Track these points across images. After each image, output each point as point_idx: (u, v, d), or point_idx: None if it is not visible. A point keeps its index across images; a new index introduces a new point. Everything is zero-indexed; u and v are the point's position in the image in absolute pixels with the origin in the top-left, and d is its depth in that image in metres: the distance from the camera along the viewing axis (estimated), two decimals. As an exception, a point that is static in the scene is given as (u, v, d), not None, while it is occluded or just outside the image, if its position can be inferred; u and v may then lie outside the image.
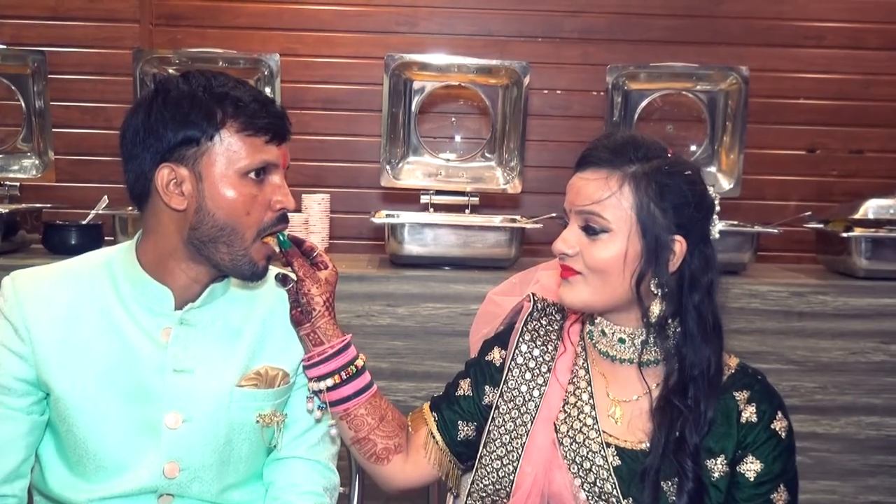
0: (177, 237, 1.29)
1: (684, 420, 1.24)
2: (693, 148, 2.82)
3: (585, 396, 1.32)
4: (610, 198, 1.23)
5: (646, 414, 1.28)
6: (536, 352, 1.37)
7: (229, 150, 1.25)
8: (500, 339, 1.42)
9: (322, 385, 1.32)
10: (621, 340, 1.30)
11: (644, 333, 1.28)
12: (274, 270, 1.37)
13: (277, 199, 1.29)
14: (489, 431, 1.34)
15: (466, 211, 2.76)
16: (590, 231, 1.24)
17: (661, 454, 1.24)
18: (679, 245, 1.24)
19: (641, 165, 1.24)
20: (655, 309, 1.25)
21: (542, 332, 1.38)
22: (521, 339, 1.37)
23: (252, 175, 1.26)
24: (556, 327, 1.39)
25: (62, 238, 2.56)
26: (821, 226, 2.73)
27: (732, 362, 1.33)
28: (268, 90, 2.65)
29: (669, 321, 1.27)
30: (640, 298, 1.24)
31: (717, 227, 1.30)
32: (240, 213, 1.26)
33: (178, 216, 1.27)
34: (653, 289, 1.25)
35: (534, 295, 1.42)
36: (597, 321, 1.34)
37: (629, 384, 1.31)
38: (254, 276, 1.31)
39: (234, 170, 1.25)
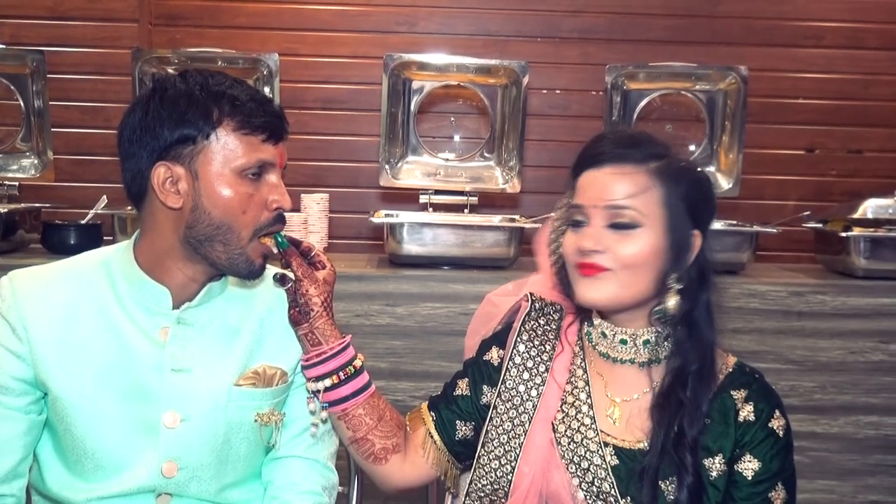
0: (173, 236, 1.29)
1: (683, 414, 1.25)
2: (692, 148, 2.82)
3: (583, 396, 1.32)
4: (643, 192, 1.23)
5: (644, 413, 1.28)
6: (534, 351, 1.36)
7: (226, 148, 1.25)
8: (498, 338, 1.42)
9: (320, 385, 1.33)
10: (623, 342, 1.30)
11: (647, 332, 1.29)
12: (272, 269, 1.37)
13: (274, 198, 1.29)
14: (487, 431, 1.34)
15: (465, 211, 2.76)
16: (620, 226, 1.23)
17: (660, 451, 1.24)
18: (696, 240, 1.27)
19: (661, 161, 1.26)
20: (671, 303, 1.25)
21: (539, 332, 1.38)
22: (518, 339, 1.37)
23: (249, 174, 1.26)
24: (554, 327, 1.39)
25: (61, 238, 2.56)
26: (820, 225, 2.73)
27: (730, 361, 1.33)
28: (267, 90, 2.65)
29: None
30: (659, 293, 1.26)
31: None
32: (236, 211, 1.26)
33: (174, 215, 1.27)
34: (672, 283, 1.26)
35: (531, 294, 1.42)
36: (596, 323, 1.33)
37: (628, 384, 1.31)
38: (250, 274, 1.31)
39: (231, 168, 1.25)
